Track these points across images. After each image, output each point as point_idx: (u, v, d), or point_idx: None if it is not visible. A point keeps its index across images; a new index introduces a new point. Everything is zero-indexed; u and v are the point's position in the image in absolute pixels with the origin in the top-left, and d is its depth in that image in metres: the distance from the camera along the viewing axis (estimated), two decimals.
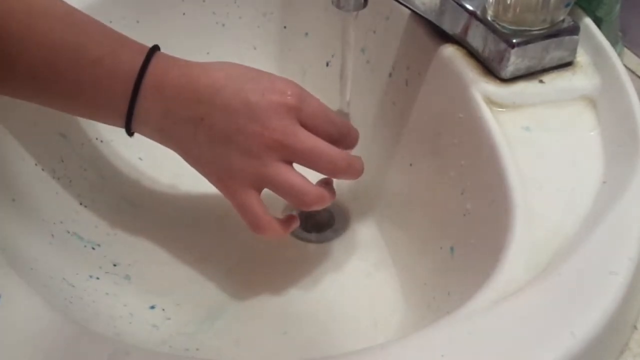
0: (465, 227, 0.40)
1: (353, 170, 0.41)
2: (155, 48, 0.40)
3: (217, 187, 0.41)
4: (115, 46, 0.39)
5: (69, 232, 0.44)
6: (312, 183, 0.40)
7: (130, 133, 0.41)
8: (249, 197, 0.40)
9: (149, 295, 0.45)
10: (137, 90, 0.38)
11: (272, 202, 0.41)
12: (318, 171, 0.41)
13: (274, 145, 0.38)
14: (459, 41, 0.44)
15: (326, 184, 0.42)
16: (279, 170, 0.39)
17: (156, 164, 0.51)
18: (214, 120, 0.39)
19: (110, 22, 0.41)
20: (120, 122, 0.40)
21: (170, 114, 0.39)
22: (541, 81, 0.42)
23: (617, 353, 0.32)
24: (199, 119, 0.39)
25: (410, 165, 0.48)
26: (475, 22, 0.42)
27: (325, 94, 0.49)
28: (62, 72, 0.38)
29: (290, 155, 0.39)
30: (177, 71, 0.39)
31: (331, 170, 0.41)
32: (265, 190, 0.41)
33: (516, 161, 0.37)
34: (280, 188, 0.40)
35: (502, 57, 0.41)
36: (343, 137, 0.42)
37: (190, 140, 0.40)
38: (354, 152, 0.43)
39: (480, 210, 0.39)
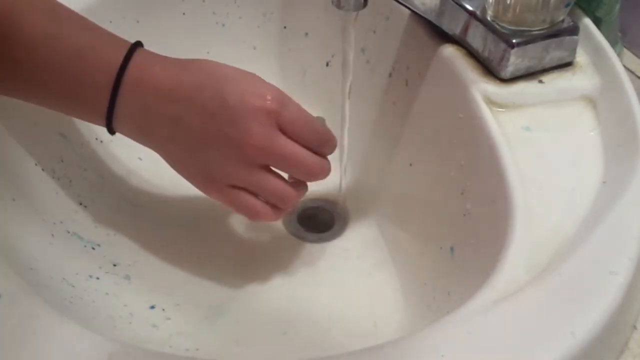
0: (465, 227, 0.40)
1: (324, 174, 0.42)
2: (138, 44, 0.40)
3: (199, 189, 0.42)
4: (98, 40, 0.39)
5: (69, 232, 0.44)
6: (289, 183, 0.41)
7: (111, 132, 0.40)
8: (234, 195, 0.41)
9: (149, 295, 0.45)
10: (118, 86, 0.38)
11: None
12: (294, 175, 0.42)
13: (253, 151, 0.39)
14: (458, 41, 0.44)
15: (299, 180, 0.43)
16: (259, 175, 0.40)
17: (156, 164, 0.50)
18: (192, 121, 0.39)
19: (111, 22, 0.41)
20: (101, 120, 0.40)
21: (150, 111, 0.39)
22: (541, 81, 0.42)
23: (617, 353, 0.32)
24: (177, 118, 0.39)
25: (410, 165, 0.48)
26: (475, 22, 0.42)
27: (325, 94, 0.49)
28: (44, 65, 0.38)
29: (268, 160, 0.40)
30: (157, 68, 0.39)
31: (306, 176, 0.41)
32: None
33: (516, 161, 0.37)
34: (260, 190, 0.41)
35: (502, 57, 0.41)
36: (324, 144, 0.41)
37: (169, 140, 0.40)
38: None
39: (480, 210, 0.39)
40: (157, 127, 0.39)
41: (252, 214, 0.41)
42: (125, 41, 0.39)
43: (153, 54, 0.40)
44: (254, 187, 0.40)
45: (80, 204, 0.46)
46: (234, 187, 0.40)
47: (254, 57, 0.59)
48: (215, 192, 0.41)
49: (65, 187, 0.46)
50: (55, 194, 0.45)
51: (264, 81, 0.40)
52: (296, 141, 0.40)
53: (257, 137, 0.38)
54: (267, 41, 0.59)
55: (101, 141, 0.50)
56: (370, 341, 0.31)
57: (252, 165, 0.39)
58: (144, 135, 0.40)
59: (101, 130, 0.49)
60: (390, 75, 0.50)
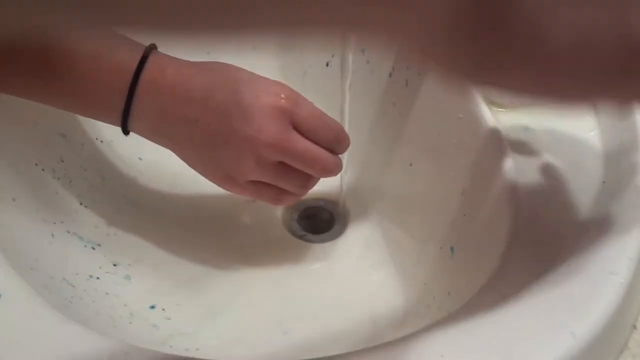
0: (465, 227, 0.40)
1: (337, 171, 0.43)
2: (153, 46, 0.40)
3: (219, 186, 0.42)
4: (113, 42, 0.39)
5: (69, 232, 0.44)
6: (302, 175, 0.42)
7: (126, 132, 0.41)
8: (253, 189, 0.42)
9: (149, 295, 0.45)
10: (134, 88, 0.39)
11: None
12: (308, 172, 0.42)
13: (267, 148, 0.39)
14: None
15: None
16: (275, 171, 0.40)
17: (156, 164, 0.51)
18: (208, 121, 0.39)
19: None
20: (116, 120, 0.40)
21: (166, 113, 0.39)
22: None
23: (617, 353, 0.32)
24: (194, 120, 0.39)
25: (410, 165, 0.48)
26: None
27: (325, 94, 0.49)
28: (59, 66, 0.38)
29: (282, 157, 0.40)
30: (172, 70, 0.39)
31: (320, 172, 0.42)
32: None
33: (516, 161, 0.37)
34: (279, 184, 0.41)
35: None
36: (337, 141, 0.42)
37: (186, 141, 0.40)
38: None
39: (480, 210, 0.39)
40: (173, 128, 0.40)
41: (275, 202, 0.43)
42: (140, 44, 0.40)
43: (167, 56, 0.40)
44: (273, 181, 0.41)
45: (80, 204, 0.46)
46: (252, 183, 0.41)
47: (254, 57, 0.58)
48: (234, 188, 0.42)
49: (65, 187, 0.46)
50: (55, 194, 0.45)
51: (277, 82, 0.41)
52: (310, 139, 0.40)
53: (271, 134, 0.39)
54: (267, 41, 0.59)
55: (101, 141, 0.50)
56: (370, 341, 0.31)
57: (268, 163, 0.40)
58: (160, 136, 0.41)
59: (101, 130, 0.50)
60: (390, 75, 0.50)
